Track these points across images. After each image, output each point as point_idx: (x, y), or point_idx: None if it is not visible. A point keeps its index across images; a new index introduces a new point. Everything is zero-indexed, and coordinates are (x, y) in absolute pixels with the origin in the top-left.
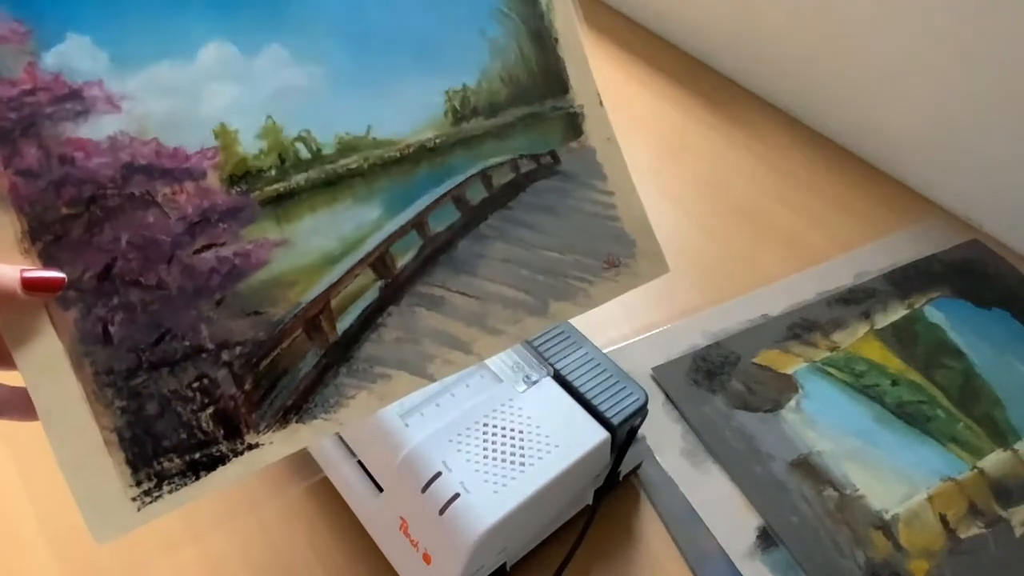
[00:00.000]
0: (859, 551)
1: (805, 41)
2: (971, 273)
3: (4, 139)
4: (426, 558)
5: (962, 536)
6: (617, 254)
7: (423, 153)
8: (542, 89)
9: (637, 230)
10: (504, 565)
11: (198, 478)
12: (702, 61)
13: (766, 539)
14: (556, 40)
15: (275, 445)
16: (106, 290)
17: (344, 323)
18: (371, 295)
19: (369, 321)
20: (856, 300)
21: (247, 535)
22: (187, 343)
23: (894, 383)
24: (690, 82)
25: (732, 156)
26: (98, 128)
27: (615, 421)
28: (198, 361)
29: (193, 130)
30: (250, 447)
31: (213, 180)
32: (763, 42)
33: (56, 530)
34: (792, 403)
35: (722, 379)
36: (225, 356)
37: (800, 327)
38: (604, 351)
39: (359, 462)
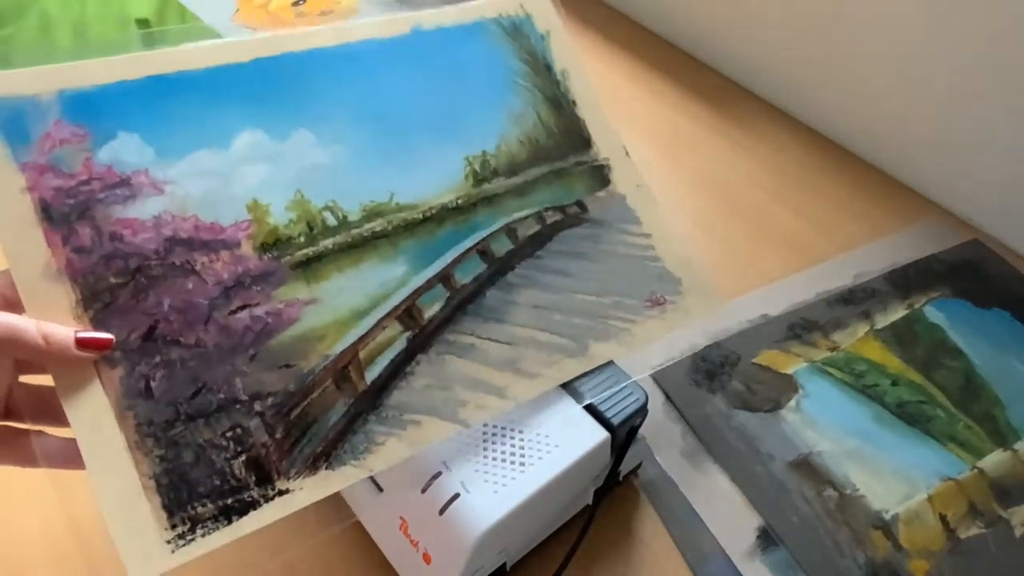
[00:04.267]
0: (859, 551)
1: (805, 41)
2: (971, 273)
3: (62, 222)
4: (426, 558)
5: (962, 536)
6: (661, 292)
7: (446, 213)
8: (563, 148)
9: (681, 268)
10: (504, 565)
11: (230, 522)
12: (702, 61)
13: (766, 539)
14: (574, 103)
15: (305, 491)
16: (149, 350)
17: (373, 373)
18: (399, 345)
19: (398, 370)
20: (856, 300)
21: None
22: (222, 395)
23: (894, 383)
24: (690, 82)
25: (732, 156)
26: (144, 209)
27: (615, 421)
28: (232, 412)
29: (228, 206)
30: (280, 493)
31: (247, 248)
32: (763, 42)
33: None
34: (792, 403)
35: (722, 379)
36: (257, 407)
37: (800, 327)
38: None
39: None
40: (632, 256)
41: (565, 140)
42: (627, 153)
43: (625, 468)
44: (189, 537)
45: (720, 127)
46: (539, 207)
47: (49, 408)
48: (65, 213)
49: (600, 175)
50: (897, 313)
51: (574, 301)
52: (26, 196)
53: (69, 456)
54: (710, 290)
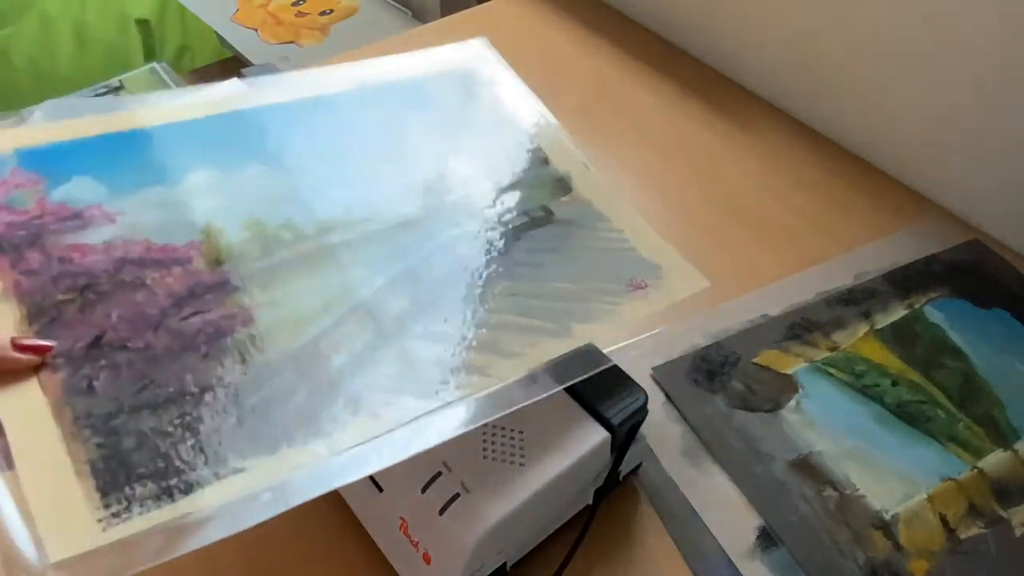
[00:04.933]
0: (859, 551)
1: (806, 41)
2: (971, 273)
3: (12, 250)
4: (426, 558)
5: (962, 536)
6: (642, 277)
7: (405, 223)
8: (520, 165)
9: (659, 255)
10: (504, 565)
11: (173, 500)
12: (702, 61)
13: (766, 539)
14: (530, 135)
15: (262, 468)
16: (94, 355)
17: (336, 362)
18: (363, 336)
19: (363, 359)
20: (856, 300)
21: (244, 534)
22: (171, 389)
23: (894, 383)
24: (690, 82)
25: (732, 156)
26: (95, 236)
27: (615, 421)
28: (181, 403)
29: (181, 231)
30: (235, 471)
31: (199, 264)
32: (764, 42)
33: None
34: (792, 403)
35: (722, 379)
36: (208, 397)
37: (800, 327)
38: (604, 351)
39: None
40: (607, 248)
41: (520, 159)
42: (588, 167)
43: (625, 468)
44: (125, 516)
45: (720, 127)
46: (504, 217)
47: None
48: (15, 244)
49: (562, 185)
50: (897, 313)
51: (551, 288)
52: None
53: (5, 458)
54: (692, 271)
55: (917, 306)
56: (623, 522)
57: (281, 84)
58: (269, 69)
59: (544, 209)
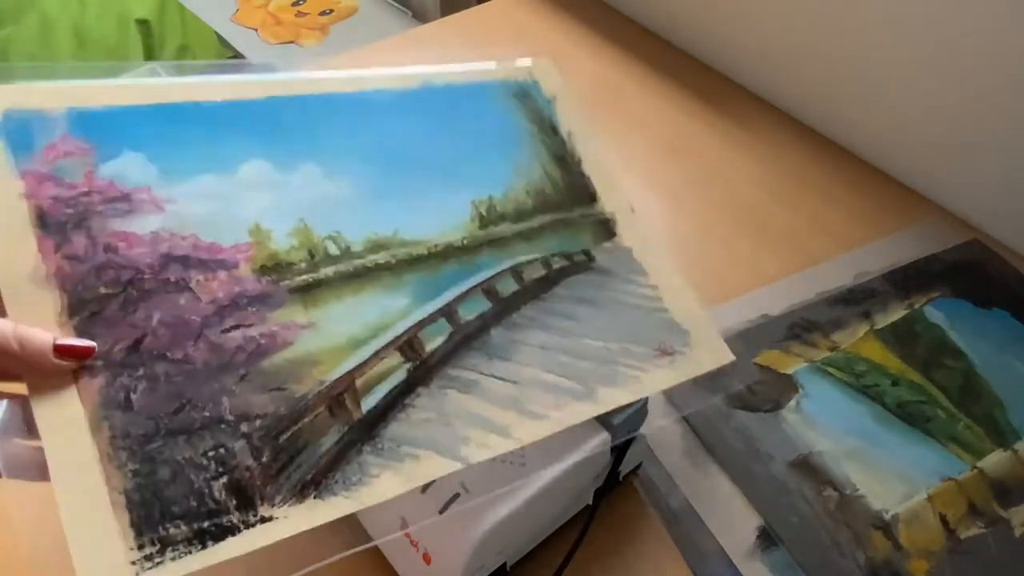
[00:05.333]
0: (859, 551)
1: (806, 41)
2: (971, 273)
3: (57, 229)
4: (426, 558)
5: (962, 536)
6: (670, 343)
7: (451, 251)
8: (569, 200)
9: (689, 321)
10: (504, 565)
11: (204, 547)
12: (702, 61)
13: (766, 539)
14: (579, 161)
15: (290, 520)
16: (133, 362)
17: (369, 402)
18: (398, 376)
19: (396, 401)
20: (856, 300)
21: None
22: (207, 413)
23: (894, 383)
24: (690, 82)
25: (732, 156)
26: (142, 224)
27: (615, 421)
28: (216, 431)
29: (229, 228)
30: (263, 520)
31: (245, 270)
32: (764, 42)
33: None
34: (792, 403)
35: (722, 379)
36: (244, 428)
37: (800, 327)
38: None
39: None
40: (640, 306)
41: (570, 194)
42: (632, 210)
43: (625, 468)
44: (157, 560)
45: (720, 127)
46: (546, 252)
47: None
48: (61, 221)
49: (606, 228)
50: (897, 313)
51: (581, 345)
52: (23, 202)
53: (38, 467)
54: (719, 344)
55: (917, 306)
56: (623, 522)
57: (343, 75)
58: (269, 69)
59: (586, 254)
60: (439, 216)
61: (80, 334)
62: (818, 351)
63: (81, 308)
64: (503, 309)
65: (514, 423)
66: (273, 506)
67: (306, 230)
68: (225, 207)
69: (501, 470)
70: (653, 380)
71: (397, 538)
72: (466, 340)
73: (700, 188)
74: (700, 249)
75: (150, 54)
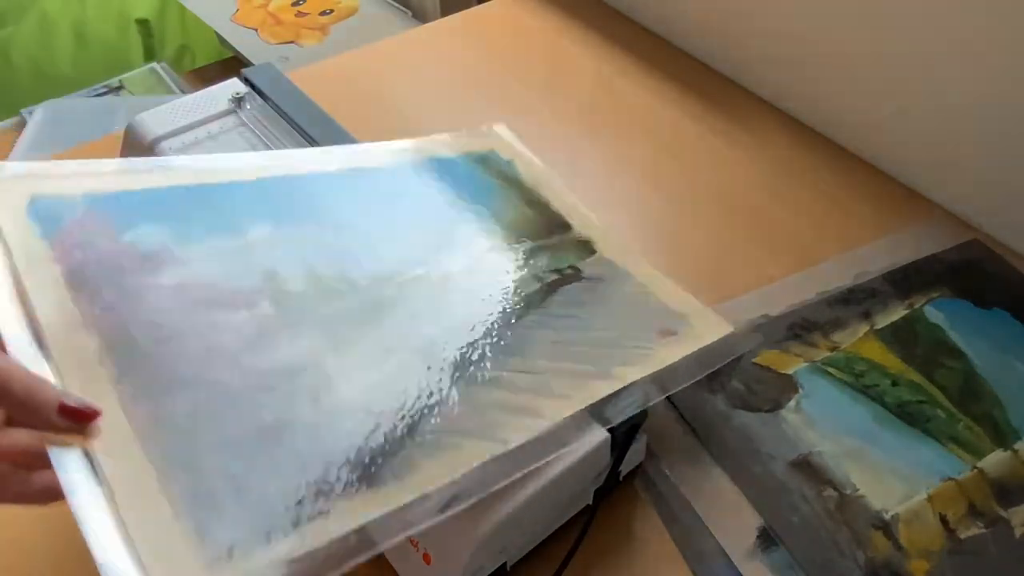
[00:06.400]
0: (859, 551)
1: (806, 41)
2: (971, 273)
3: (88, 285)
4: (426, 558)
5: (962, 536)
6: (670, 325)
7: (449, 278)
8: (545, 230)
9: (683, 306)
10: (504, 565)
11: (268, 545)
12: (702, 61)
13: (766, 539)
14: (548, 203)
15: (337, 515)
16: (174, 390)
17: (401, 403)
18: (425, 380)
19: (428, 401)
20: (856, 300)
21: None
22: (250, 428)
23: (894, 383)
24: (690, 82)
25: (732, 156)
26: (166, 277)
27: (615, 421)
28: (262, 440)
29: (246, 277)
30: (310, 518)
31: (266, 308)
32: (764, 42)
33: None
34: (792, 403)
35: (722, 379)
36: (285, 436)
37: (800, 327)
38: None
39: None
40: (635, 302)
41: (546, 226)
42: (607, 233)
43: (625, 468)
44: (226, 562)
45: (720, 127)
46: (536, 271)
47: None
48: (91, 277)
49: (586, 247)
50: (897, 313)
51: (589, 337)
52: (54, 266)
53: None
54: (715, 318)
55: (917, 306)
56: (623, 522)
57: (322, 156)
58: (269, 69)
59: (573, 268)
60: (435, 252)
61: (121, 369)
62: (818, 351)
63: (118, 349)
64: (508, 320)
65: (542, 405)
66: (329, 500)
67: (316, 278)
68: (241, 262)
69: (500, 471)
70: (663, 354)
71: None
72: (480, 346)
73: (699, 188)
74: (699, 249)
75: (150, 54)
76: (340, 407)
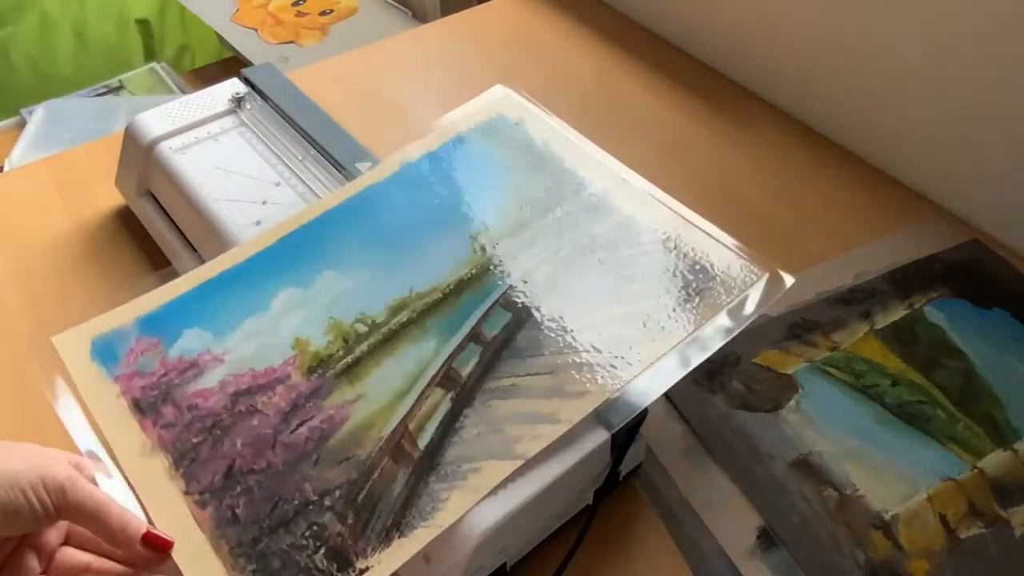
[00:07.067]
0: (859, 551)
1: (806, 41)
2: (971, 273)
3: (150, 410)
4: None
5: (962, 536)
6: (695, 283)
7: (463, 285)
8: (557, 196)
9: (708, 254)
10: (504, 565)
11: None
12: (702, 61)
13: (766, 539)
14: (560, 161)
15: (383, 564)
16: (230, 484)
17: (425, 438)
18: (444, 407)
19: (448, 429)
20: (856, 300)
21: None
22: (296, 502)
23: (894, 383)
24: (690, 82)
25: (732, 156)
26: (210, 379)
27: (615, 421)
28: (307, 513)
29: (276, 351)
30: (362, 572)
31: (296, 377)
32: (764, 42)
33: None
34: (792, 403)
35: (722, 379)
36: (327, 502)
37: (800, 327)
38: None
39: None
40: (653, 259)
41: (557, 189)
42: (625, 179)
43: (625, 468)
44: None
45: (720, 127)
46: (550, 253)
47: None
48: (152, 403)
49: (601, 205)
50: (897, 313)
51: (603, 318)
52: (120, 399)
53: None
54: (741, 263)
55: (917, 306)
56: (623, 522)
57: (339, 192)
58: (269, 69)
59: (588, 235)
60: (444, 262)
61: (187, 479)
62: (818, 351)
63: (183, 460)
64: (523, 314)
65: (559, 408)
66: (367, 557)
67: (336, 324)
68: (269, 338)
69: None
70: (678, 326)
71: None
72: (497, 353)
73: (699, 188)
74: None
75: (150, 54)
76: (368, 462)
